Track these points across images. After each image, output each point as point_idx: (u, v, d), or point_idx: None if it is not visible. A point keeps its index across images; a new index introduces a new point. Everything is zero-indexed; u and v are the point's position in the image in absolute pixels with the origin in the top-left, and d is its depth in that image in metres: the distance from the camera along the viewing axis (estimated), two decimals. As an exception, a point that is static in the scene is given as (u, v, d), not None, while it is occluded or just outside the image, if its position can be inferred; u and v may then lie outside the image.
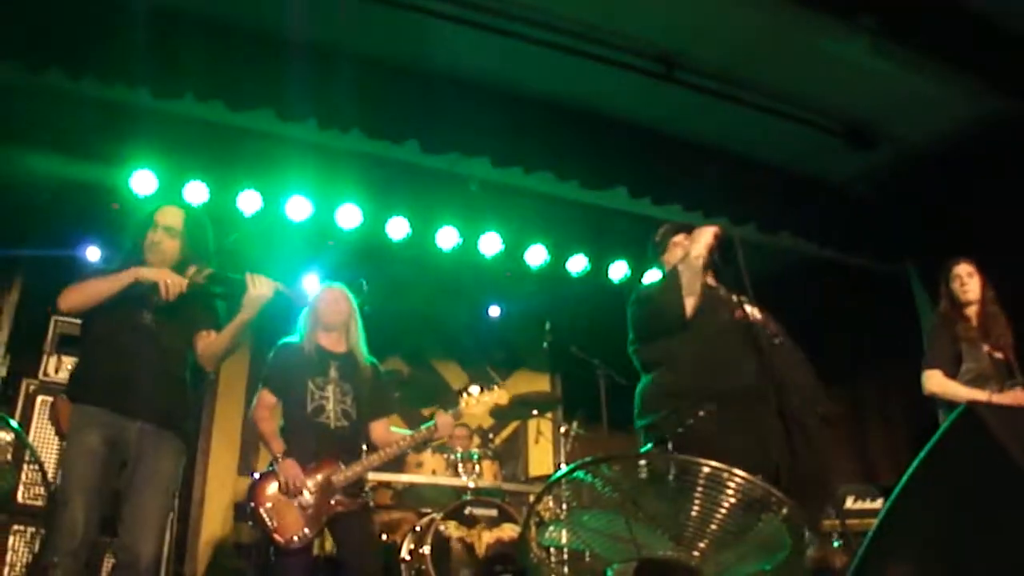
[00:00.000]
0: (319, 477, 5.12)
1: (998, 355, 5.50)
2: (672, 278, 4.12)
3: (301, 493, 5.05)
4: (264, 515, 5.03)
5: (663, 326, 4.13)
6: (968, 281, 5.68)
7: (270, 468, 5.20)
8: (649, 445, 4.00)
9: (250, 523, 5.26)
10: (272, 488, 5.10)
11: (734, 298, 4.18)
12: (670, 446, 3.81)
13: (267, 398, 5.38)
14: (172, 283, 4.23)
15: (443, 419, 5.56)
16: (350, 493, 5.19)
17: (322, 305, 5.55)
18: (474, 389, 5.81)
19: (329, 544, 5.91)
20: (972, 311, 5.65)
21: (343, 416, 5.31)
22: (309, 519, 5.04)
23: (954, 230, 7.24)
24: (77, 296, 4.28)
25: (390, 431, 5.62)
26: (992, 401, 5.19)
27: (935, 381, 5.52)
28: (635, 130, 7.20)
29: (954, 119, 7.07)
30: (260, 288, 4.42)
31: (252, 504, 5.10)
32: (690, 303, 4.03)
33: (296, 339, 5.49)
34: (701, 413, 3.81)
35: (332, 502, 5.10)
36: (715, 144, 7.48)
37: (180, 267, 4.45)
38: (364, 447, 5.54)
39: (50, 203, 6.87)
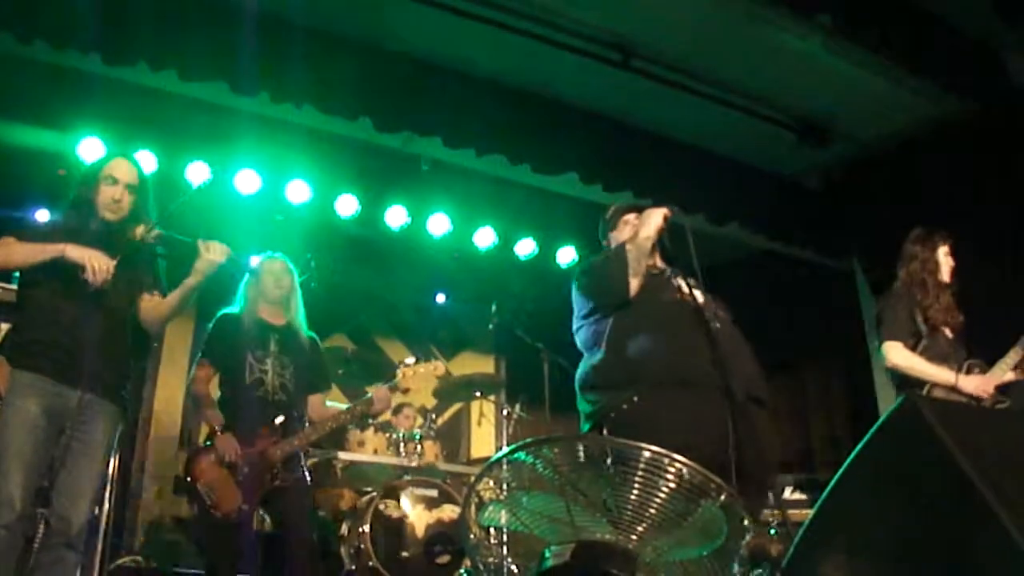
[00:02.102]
0: (256, 451, 5.09)
1: (949, 335, 5.35)
2: (619, 255, 4.09)
3: (239, 467, 5.02)
4: (202, 490, 4.99)
5: (605, 302, 4.10)
6: (951, 261, 5.50)
7: (208, 442, 5.16)
8: (586, 428, 4.00)
9: (187, 498, 5.22)
10: (210, 462, 5.05)
11: (679, 281, 4.18)
12: (605, 432, 3.80)
13: (205, 369, 5.35)
14: (100, 268, 4.11)
15: (380, 392, 5.55)
16: (288, 467, 5.15)
17: (264, 277, 5.49)
18: (410, 360, 5.78)
19: (268, 520, 5.90)
20: (940, 290, 5.41)
21: (281, 389, 5.28)
22: (247, 493, 5.01)
23: (901, 228, 7.32)
24: (2, 256, 4.20)
25: (326, 405, 5.63)
26: (958, 383, 5.08)
27: (899, 354, 5.23)
28: (589, 117, 7.23)
29: (906, 118, 7.18)
30: (212, 254, 4.35)
31: (189, 479, 5.07)
32: (635, 283, 4.00)
33: (236, 310, 5.45)
34: (635, 399, 3.80)
35: (270, 476, 5.07)
36: (669, 133, 7.53)
37: (130, 223, 4.39)
38: (304, 421, 5.52)
39: (-5, 167, 6.77)
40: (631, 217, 4.39)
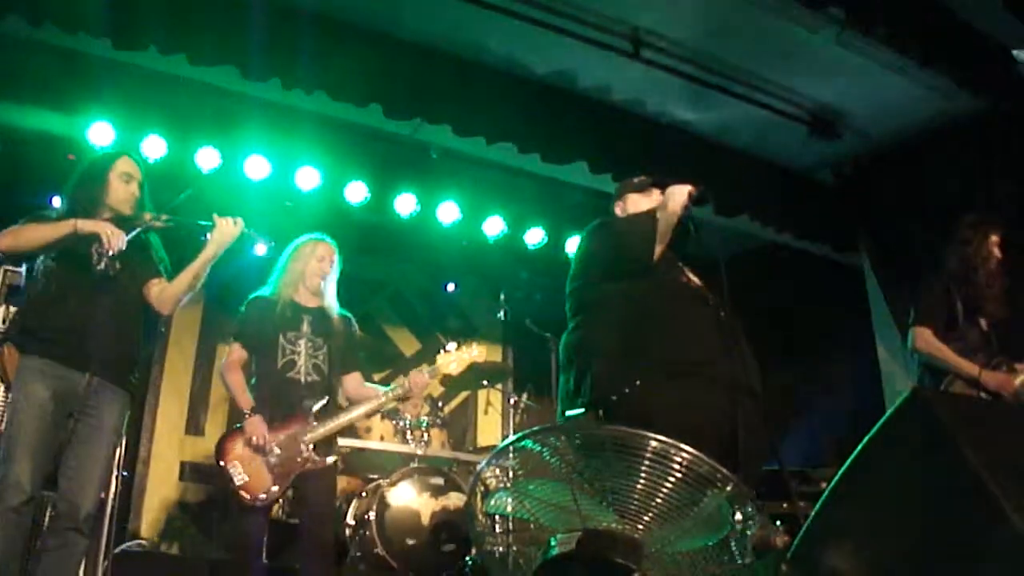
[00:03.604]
0: (288, 433, 5.05)
1: (985, 327, 5.26)
2: (649, 219, 4.01)
3: (269, 450, 4.98)
4: (231, 471, 4.96)
5: (626, 264, 4.02)
6: (999, 253, 5.40)
7: (238, 425, 5.13)
8: (580, 408, 3.88)
9: (216, 481, 5.17)
10: (240, 445, 5.02)
11: (681, 265, 4.15)
12: (601, 413, 3.74)
13: (237, 352, 5.31)
14: (113, 235, 4.21)
15: (417, 377, 5.43)
16: (319, 451, 5.10)
17: (310, 262, 5.47)
18: (451, 346, 5.72)
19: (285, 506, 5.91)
20: (991, 279, 5.33)
21: (314, 371, 5.24)
22: (277, 476, 4.98)
23: (911, 223, 7.31)
24: (11, 239, 4.24)
25: (363, 385, 5.55)
26: (982, 376, 5.01)
27: (925, 339, 5.21)
28: (599, 106, 7.21)
29: (918, 113, 7.14)
30: (228, 226, 4.54)
31: (220, 461, 5.04)
32: (659, 250, 3.94)
33: (268, 292, 5.42)
34: (638, 383, 3.72)
35: (300, 460, 5.02)
36: (679, 124, 7.51)
37: (137, 213, 4.51)
38: (337, 402, 5.45)
39: (3, 151, 6.77)
40: (656, 192, 4.33)
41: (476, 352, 5.74)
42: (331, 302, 5.54)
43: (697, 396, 3.67)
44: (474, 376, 7.70)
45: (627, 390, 3.72)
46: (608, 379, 3.82)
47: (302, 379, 5.20)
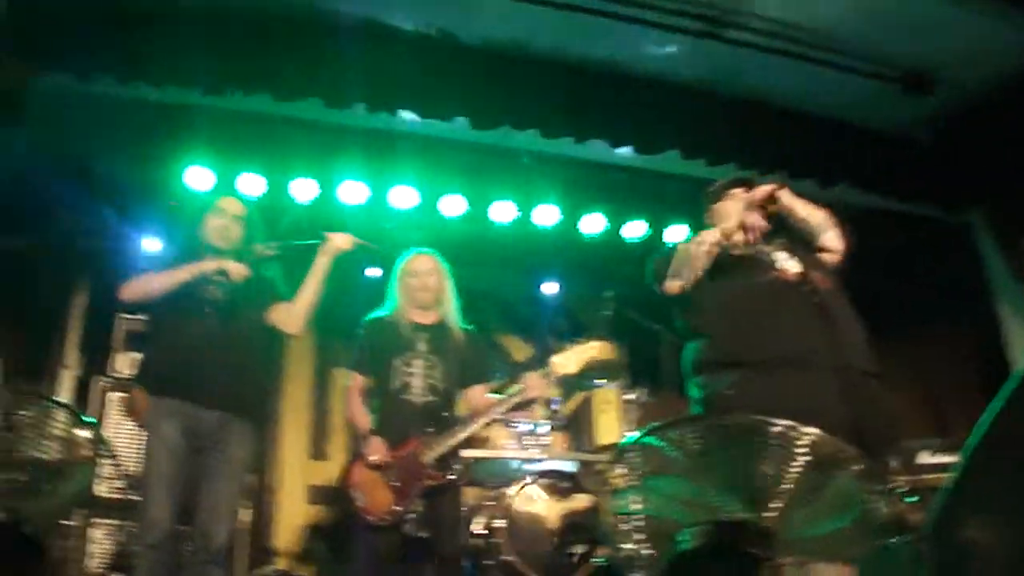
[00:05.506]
0: (407, 452, 5.04)
1: None
2: (663, 263, 4.33)
3: (387, 468, 4.99)
4: (353, 494, 5.00)
5: (675, 299, 4.27)
6: None
7: (359, 452, 5.17)
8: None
9: (341, 506, 5.23)
10: (361, 468, 5.05)
11: (778, 256, 4.12)
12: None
13: (357, 381, 5.32)
14: (236, 268, 4.48)
15: (532, 379, 5.28)
16: (440, 467, 5.07)
17: (407, 280, 5.46)
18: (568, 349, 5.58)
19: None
20: None
21: (430, 391, 5.21)
22: (398, 495, 4.97)
23: (1019, 175, 7.08)
24: (139, 288, 4.46)
25: (487, 398, 5.48)
26: None
27: None
28: (685, 91, 7.11)
29: (1014, 61, 6.91)
30: (338, 239, 4.87)
31: (343, 488, 5.09)
32: (676, 284, 4.17)
33: (386, 312, 5.43)
34: (739, 381, 3.81)
35: (420, 477, 5.01)
36: (768, 100, 7.37)
37: (243, 249, 4.71)
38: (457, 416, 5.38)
39: (108, 204, 6.97)
40: (739, 191, 4.34)
41: (592, 347, 5.57)
42: (450, 316, 5.48)
43: (801, 384, 3.66)
44: (587, 375, 7.68)
45: (729, 391, 3.81)
46: (714, 386, 3.94)
47: (417, 400, 5.18)
